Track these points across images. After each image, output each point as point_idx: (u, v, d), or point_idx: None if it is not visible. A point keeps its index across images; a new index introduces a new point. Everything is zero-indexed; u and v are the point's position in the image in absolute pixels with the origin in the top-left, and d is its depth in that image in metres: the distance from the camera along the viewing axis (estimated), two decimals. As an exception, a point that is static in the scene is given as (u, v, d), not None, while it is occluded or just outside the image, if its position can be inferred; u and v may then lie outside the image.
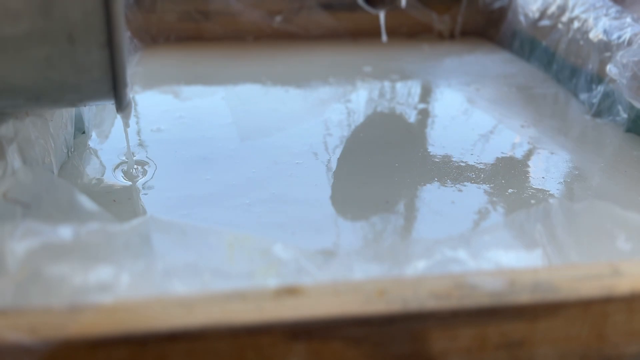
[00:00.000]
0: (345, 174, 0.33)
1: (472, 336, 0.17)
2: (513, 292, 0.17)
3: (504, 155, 0.36)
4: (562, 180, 0.33)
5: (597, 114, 0.41)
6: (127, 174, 0.32)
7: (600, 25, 0.42)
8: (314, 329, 0.16)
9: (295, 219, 0.28)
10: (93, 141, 0.36)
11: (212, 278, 0.18)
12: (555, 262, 0.20)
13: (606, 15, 0.42)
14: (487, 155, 0.35)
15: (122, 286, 0.17)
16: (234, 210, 0.29)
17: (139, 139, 0.37)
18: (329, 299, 0.16)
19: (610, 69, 0.37)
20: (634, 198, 0.31)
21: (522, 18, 0.54)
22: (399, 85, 0.48)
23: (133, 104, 0.37)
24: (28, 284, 0.16)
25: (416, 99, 0.46)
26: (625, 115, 0.38)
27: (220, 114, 0.41)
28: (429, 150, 0.36)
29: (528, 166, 0.35)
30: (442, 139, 0.38)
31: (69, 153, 0.34)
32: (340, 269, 0.19)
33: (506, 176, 0.33)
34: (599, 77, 0.41)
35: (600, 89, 0.40)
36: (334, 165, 0.34)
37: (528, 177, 0.33)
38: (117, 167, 0.33)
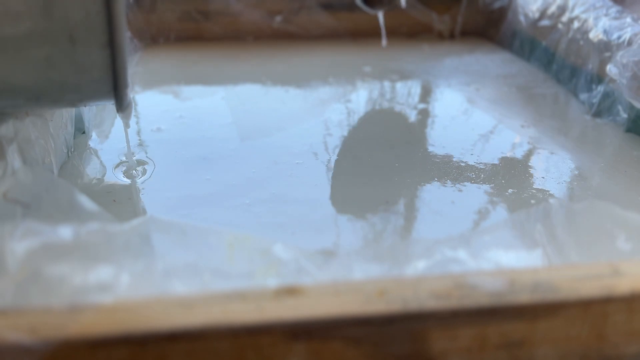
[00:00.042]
0: (345, 174, 0.33)
1: (472, 336, 0.17)
2: (513, 292, 0.17)
3: (504, 155, 0.36)
4: (562, 180, 0.33)
5: (597, 114, 0.41)
6: (127, 174, 0.32)
7: (600, 25, 0.42)
8: (314, 329, 0.16)
9: (295, 219, 0.29)
10: (93, 141, 0.36)
11: (212, 278, 0.18)
12: (555, 262, 0.20)
13: (606, 15, 0.42)
14: (487, 155, 0.35)
15: (122, 286, 0.17)
16: (234, 210, 0.29)
17: (139, 139, 0.37)
18: (329, 299, 0.16)
19: (610, 69, 0.37)
20: (634, 198, 0.31)
21: (522, 18, 0.54)
22: (398, 85, 0.48)
23: (133, 104, 0.37)
24: (28, 284, 0.16)
25: (416, 99, 0.46)
26: (625, 115, 0.38)
27: (220, 114, 0.41)
28: (429, 150, 0.36)
29: (528, 166, 0.35)
30: (442, 139, 0.38)
31: (69, 153, 0.34)
32: (340, 269, 0.19)
33: (506, 176, 0.33)
34: (599, 77, 0.41)
35: (600, 89, 0.40)
36: (333, 165, 0.34)
37: (528, 177, 0.33)
38: (117, 167, 0.33)
